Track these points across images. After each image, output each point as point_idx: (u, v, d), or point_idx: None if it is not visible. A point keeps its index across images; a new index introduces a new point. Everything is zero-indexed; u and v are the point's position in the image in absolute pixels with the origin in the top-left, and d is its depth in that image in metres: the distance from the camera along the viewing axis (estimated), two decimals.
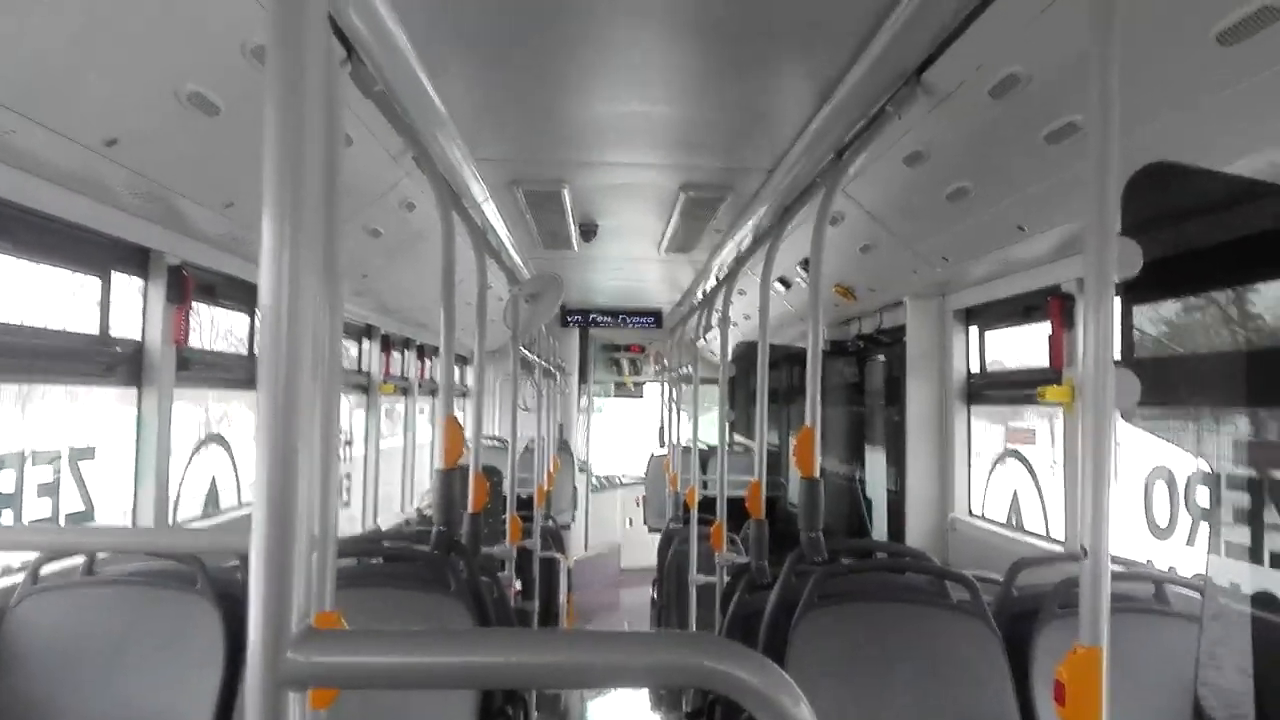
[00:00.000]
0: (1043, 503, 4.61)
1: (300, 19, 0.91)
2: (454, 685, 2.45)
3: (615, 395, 14.26)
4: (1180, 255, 2.77)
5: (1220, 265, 2.79)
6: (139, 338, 3.84)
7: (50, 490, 3.50)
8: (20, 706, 2.82)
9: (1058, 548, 4.14)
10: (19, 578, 3.03)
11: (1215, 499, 3.24)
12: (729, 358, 5.65)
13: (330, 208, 1.88)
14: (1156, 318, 3.05)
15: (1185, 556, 3.49)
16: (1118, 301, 1.71)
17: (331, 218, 1.91)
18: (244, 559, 3.13)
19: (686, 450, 7.70)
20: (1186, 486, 3.49)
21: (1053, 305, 4.08)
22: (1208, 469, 3.25)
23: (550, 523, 7.85)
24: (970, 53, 2.65)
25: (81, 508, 3.67)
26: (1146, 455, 3.71)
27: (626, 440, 14.15)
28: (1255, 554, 2.87)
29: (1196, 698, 2.67)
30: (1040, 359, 4.34)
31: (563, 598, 7.04)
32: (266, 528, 0.85)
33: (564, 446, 11.21)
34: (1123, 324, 3.00)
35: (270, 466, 0.85)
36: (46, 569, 3.05)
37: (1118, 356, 1.69)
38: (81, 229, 3.27)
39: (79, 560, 3.12)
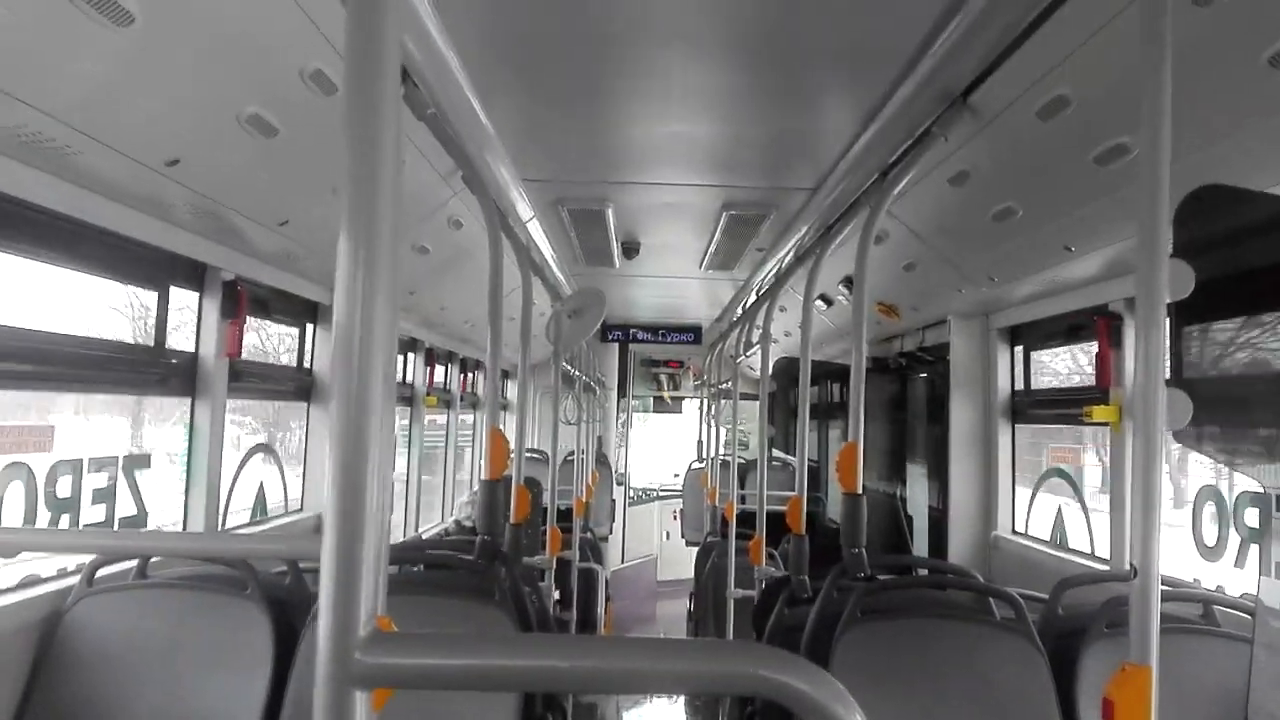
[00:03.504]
0: (1088, 522, 4.55)
1: (377, 45, 0.93)
2: (514, 688, 2.47)
3: (654, 410, 14.26)
4: (1231, 277, 2.74)
5: (1273, 287, 2.76)
6: (193, 350, 3.93)
7: (105, 496, 3.56)
8: (76, 705, 2.88)
9: (1102, 566, 4.09)
10: (74, 580, 3.11)
11: (1265, 519, 3.19)
12: (769, 373, 5.65)
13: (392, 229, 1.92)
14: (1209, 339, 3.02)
15: (1234, 578, 3.45)
16: (1167, 322, 1.71)
17: (392, 238, 1.96)
18: (293, 565, 3.20)
19: (725, 464, 7.67)
20: (1235, 507, 3.45)
21: (1100, 325, 4.04)
22: (1259, 489, 3.21)
23: (589, 534, 7.86)
24: (1018, 75, 2.64)
25: (134, 512, 3.74)
26: (1190, 475, 3.67)
27: (664, 455, 14.14)
28: None
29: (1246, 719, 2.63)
30: (1077, 381, 4.29)
31: (601, 608, 7.04)
32: (338, 534, 0.88)
33: (602, 459, 11.23)
34: (1172, 344, 2.97)
35: (342, 476, 0.88)
36: (101, 572, 3.13)
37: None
38: (142, 245, 3.35)
39: (132, 564, 3.20)
